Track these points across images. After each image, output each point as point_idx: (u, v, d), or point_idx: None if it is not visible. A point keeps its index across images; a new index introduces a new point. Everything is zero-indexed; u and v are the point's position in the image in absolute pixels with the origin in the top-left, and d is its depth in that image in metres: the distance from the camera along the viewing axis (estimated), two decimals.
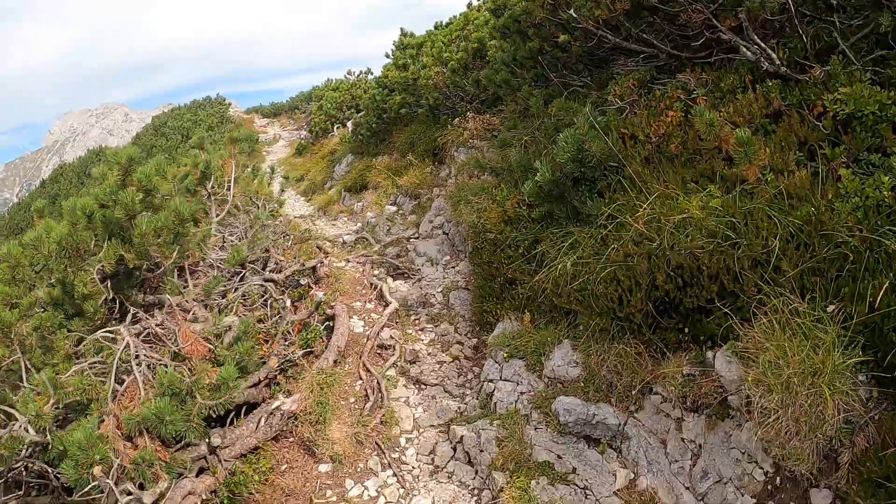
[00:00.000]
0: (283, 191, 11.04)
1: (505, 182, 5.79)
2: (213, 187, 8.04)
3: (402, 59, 11.64)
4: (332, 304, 5.88)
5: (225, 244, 7.47)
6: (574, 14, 5.56)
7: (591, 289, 3.67)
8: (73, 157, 56.94)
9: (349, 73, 27.48)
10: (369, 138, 15.33)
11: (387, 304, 5.95)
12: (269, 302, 6.13)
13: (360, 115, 19.73)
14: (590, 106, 4.89)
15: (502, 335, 4.55)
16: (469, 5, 13.28)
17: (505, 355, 4.31)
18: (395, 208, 9.81)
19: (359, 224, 10.65)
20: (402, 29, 16.55)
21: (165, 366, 4.87)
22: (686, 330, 3.39)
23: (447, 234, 7.40)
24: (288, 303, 5.76)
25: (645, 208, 3.46)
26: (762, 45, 4.12)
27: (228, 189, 8.14)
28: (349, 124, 19.40)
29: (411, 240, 7.87)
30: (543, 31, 6.63)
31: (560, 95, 6.51)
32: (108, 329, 4.92)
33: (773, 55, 4.16)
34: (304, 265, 6.49)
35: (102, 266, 4.97)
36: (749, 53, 4.20)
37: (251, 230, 7.27)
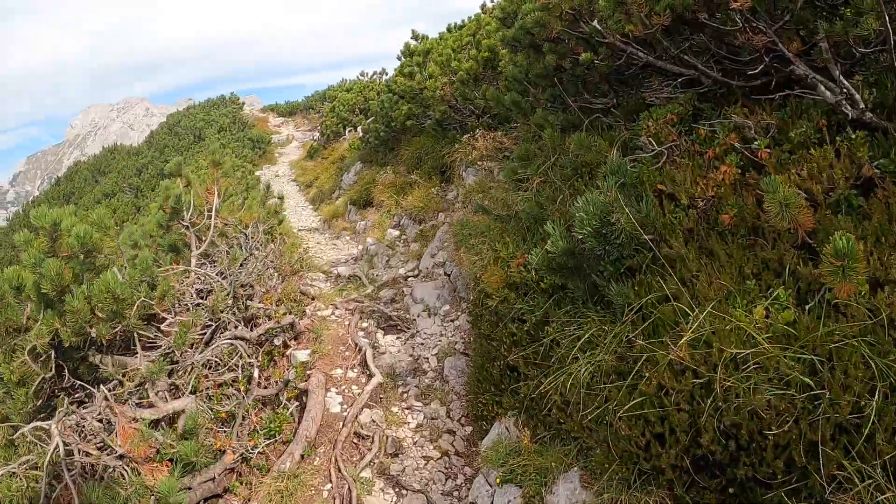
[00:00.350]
0: (276, 212, 10.19)
1: (511, 233, 4.85)
2: (192, 217, 7.26)
3: (408, 67, 10.73)
4: (309, 371, 5.04)
5: (205, 282, 6.67)
6: (598, 27, 4.61)
7: (609, 420, 2.74)
8: (94, 150, 57.33)
9: (362, 73, 26.65)
10: (378, 147, 14.49)
11: (371, 376, 5.09)
12: (240, 363, 5.32)
13: (369, 120, 18.89)
14: (617, 153, 3.94)
15: (496, 448, 3.63)
16: (483, 6, 12.28)
17: (498, 479, 3.41)
18: (397, 232, 8.93)
19: (360, 247, 9.80)
20: (413, 31, 15.61)
21: (104, 468, 4.11)
22: (731, 491, 2.45)
23: (449, 274, 6.49)
24: (256, 373, 4.92)
25: (689, 332, 2.51)
26: (846, 83, 3.13)
27: (210, 218, 7.36)
28: (359, 129, 18.57)
29: (409, 278, 6.99)
30: (561, 46, 5.64)
31: (580, 122, 5.54)
32: (37, 425, 4.15)
33: (857, 96, 3.17)
34: (278, 323, 5.64)
35: (35, 346, 4.21)
36: (828, 94, 3.21)
37: (232, 266, 6.45)
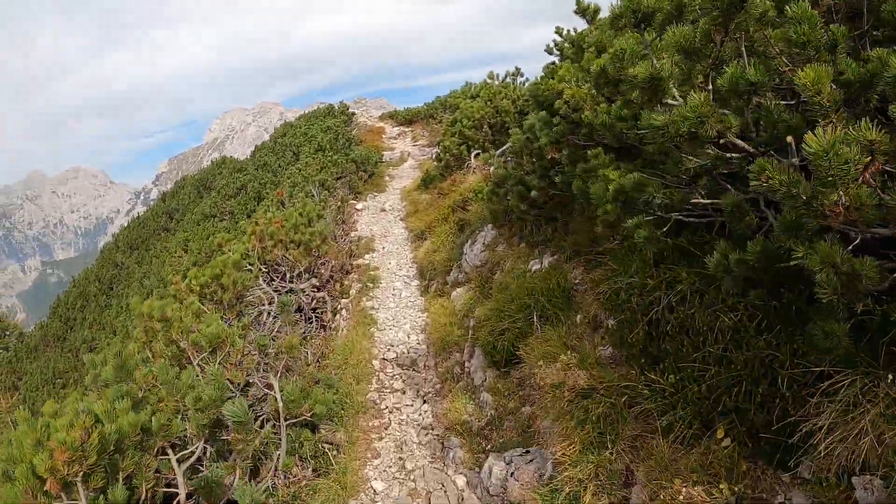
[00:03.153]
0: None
1: None
2: None
3: (635, 86, 3.91)
4: None
5: None
6: None
7: None
8: (232, 153, 57.18)
9: (490, 76, 20.22)
10: (524, 212, 8.06)
11: None
12: None
13: (501, 151, 12.49)
14: None
15: None
16: None
17: None
18: None
19: None
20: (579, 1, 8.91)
21: None
22: None
23: None
24: None
25: None
26: None
27: None
28: (490, 164, 12.28)
29: None
30: None
31: None
32: None
33: None
34: None
35: None
36: None
37: None
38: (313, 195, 16.09)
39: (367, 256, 14.41)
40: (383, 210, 19.11)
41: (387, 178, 23.37)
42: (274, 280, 10.28)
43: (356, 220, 18.32)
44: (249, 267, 9.85)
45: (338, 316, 10.95)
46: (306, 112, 32.64)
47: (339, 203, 18.13)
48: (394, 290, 11.43)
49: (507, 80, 19.73)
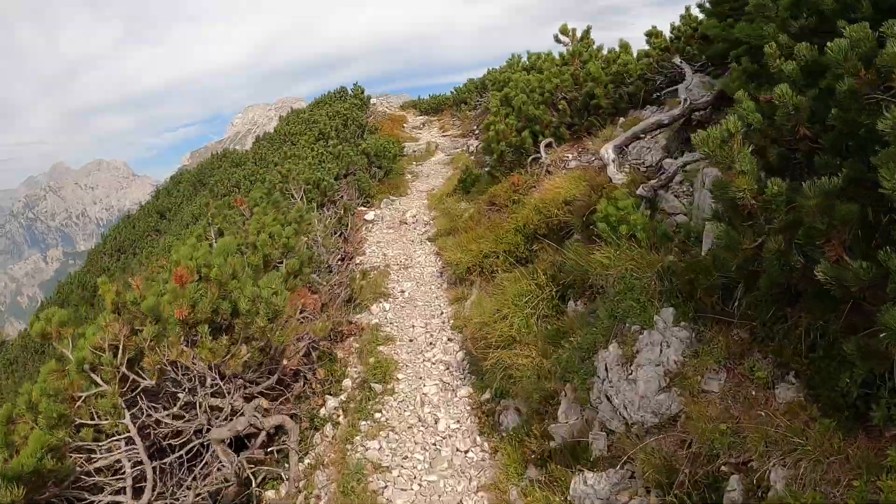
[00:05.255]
0: None
1: None
2: None
3: None
4: None
5: None
6: None
7: None
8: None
9: (565, 31, 14.26)
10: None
11: None
12: None
13: (644, 129, 6.58)
14: None
15: None
16: None
17: None
18: None
19: None
20: None
21: None
22: None
23: None
24: None
25: None
26: None
27: None
28: (617, 174, 6.42)
29: None
30: None
31: None
32: None
33: None
34: None
35: None
36: None
37: None
38: (294, 202, 10.45)
39: (374, 308, 8.80)
40: (404, 222, 13.42)
41: (409, 175, 17.69)
42: (169, 402, 4.68)
43: (363, 238, 12.68)
44: (103, 385, 4.27)
45: (307, 464, 5.32)
46: (319, 98, 27.28)
47: (341, 213, 12.52)
48: (421, 403, 5.79)
49: (583, 42, 13.86)
